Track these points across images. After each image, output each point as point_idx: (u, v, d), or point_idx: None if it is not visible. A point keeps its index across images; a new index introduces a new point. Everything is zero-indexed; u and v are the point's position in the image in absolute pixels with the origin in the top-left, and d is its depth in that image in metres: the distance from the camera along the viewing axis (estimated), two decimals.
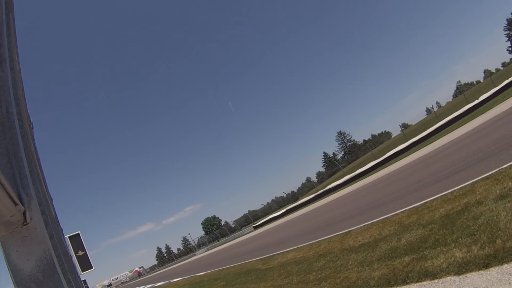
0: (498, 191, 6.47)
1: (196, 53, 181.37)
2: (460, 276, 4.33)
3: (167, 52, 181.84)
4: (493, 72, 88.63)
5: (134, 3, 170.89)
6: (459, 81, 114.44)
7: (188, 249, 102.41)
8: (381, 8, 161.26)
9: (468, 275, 4.26)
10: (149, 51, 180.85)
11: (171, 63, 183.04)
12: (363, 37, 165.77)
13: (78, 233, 13.78)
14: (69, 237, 13.23)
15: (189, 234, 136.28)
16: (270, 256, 14.79)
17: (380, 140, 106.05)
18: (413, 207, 9.36)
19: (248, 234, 50.80)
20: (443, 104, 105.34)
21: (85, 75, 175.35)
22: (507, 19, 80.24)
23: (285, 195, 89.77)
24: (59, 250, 1.82)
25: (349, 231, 10.91)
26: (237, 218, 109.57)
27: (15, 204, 1.60)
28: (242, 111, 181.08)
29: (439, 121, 35.30)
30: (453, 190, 8.68)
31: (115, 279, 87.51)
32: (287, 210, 49.45)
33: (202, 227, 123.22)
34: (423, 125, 50.12)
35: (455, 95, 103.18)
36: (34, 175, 1.89)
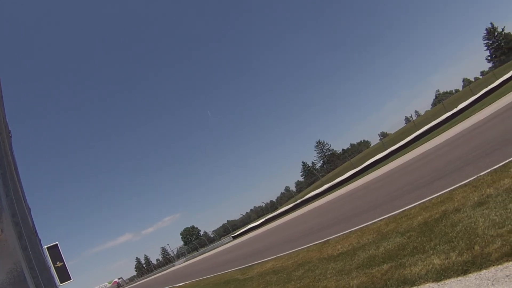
0: (476, 198, 6.50)
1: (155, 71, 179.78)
2: (438, 283, 4.29)
3: (131, 63, 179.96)
4: (472, 81, 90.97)
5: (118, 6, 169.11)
6: (438, 90, 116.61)
7: (167, 259, 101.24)
8: (359, 18, 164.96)
9: (446, 281, 4.22)
10: (109, 62, 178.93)
11: (141, 76, 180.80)
12: (342, 46, 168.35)
13: (57, 244, 13.51)
14: (47, 248, 13.01)
15: (168, 244, 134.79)
16: (249, 266, 14.65)
17: (359, 149, 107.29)
18: (392, 215, 9.36)
19: (227, 244, 50.45)
20: (422, 113, 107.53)
21: (61, 86, 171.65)
22: (486, 29, 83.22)
23: (264, 205, 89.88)
24: (33, 262, 1.72)
25: (327, 240, 10.85)
26: (216, 228, 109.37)
27: None
28: (220, 120, 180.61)
29: (418, 130, 35.77)
30: (431, 198, 8.71)
31: None
32: (266, 220, 49.34)
33: (181, 238, 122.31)
34: (402, 134, 50.70)
35: (434, 104, 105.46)
36: (8, 186, 1.78)
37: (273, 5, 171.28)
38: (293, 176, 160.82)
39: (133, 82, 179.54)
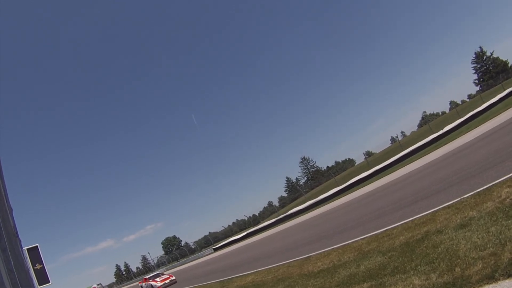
0: (458, 220, 6.48)
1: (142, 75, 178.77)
2: None
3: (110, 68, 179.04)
4: (459, 104, 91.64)
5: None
6: (425, 112, 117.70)
7: (147, 268, 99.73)
8: (346, 38, 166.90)
9: None
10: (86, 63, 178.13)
11: (127, 80, 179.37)
12: (330, 64, 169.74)
13: (37, 246, 13.27)
14: (27, 249, 12.72)
15: (148, 253, 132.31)
16: (229, 279, 14.57)
17: (344, 167, 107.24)
18: (374, 234, 9.33)
19: (208, 256, 49.85)
20: (407, 133, 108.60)
21: (48, 83, 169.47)
22: (475, 53, 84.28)
23: (246, 218, 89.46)
24: (11, 264, 1.59)
25: (308, 256, 10.80)
26: (197, 239, 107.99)
27: None
28: (205, 130, 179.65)
29: (403, 150, 35.69)
30: (414, 218, 8.70)
31: None
32: (247, 233, 48.86)
33: (162, 247, 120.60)
34: (387, 154, 50.84)
35: (420, 125, 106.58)
36: None
37: (252, 21, 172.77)
38: (277, 191, 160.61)
39: (116, 88, 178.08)
